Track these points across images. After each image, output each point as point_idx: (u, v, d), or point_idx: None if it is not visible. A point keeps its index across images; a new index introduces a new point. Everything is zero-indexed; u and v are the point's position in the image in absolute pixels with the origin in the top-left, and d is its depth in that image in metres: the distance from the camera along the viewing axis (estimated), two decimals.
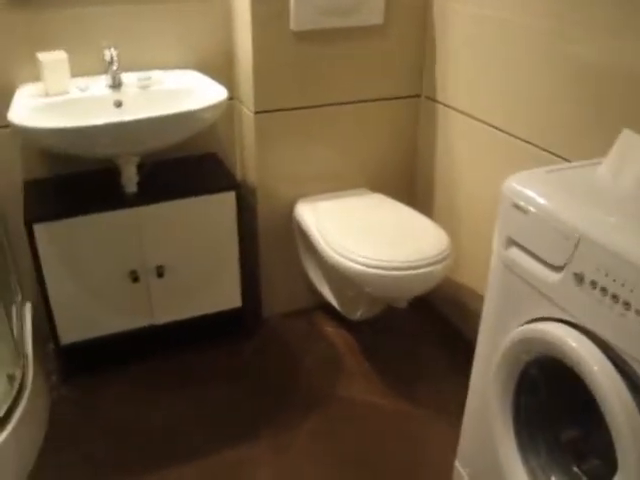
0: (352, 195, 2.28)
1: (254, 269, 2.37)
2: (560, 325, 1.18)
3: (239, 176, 2.34)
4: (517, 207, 1.25)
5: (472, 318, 2.20)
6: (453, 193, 2.22)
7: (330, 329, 2.40)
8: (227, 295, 2.23)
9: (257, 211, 2.26)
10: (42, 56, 1.93)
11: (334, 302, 2.28)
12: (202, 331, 2.29)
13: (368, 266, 1.87)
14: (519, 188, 1.26)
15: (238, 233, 2.14)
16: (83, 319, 2.06)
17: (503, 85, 1.88)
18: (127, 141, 1.84)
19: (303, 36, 2.05)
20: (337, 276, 2.13)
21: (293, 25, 2.01)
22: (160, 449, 1.90)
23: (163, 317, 2.17)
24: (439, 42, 2.15)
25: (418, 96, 2.29)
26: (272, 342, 2.34)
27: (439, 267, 1.89)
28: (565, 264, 1.15)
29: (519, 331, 1.28)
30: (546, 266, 1.20)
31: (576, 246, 1.12)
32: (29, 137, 1.86)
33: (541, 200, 1.22)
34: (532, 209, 1.22)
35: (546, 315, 1.22)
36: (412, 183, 2.43)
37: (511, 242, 1.29)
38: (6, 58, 1.98)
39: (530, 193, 1.24)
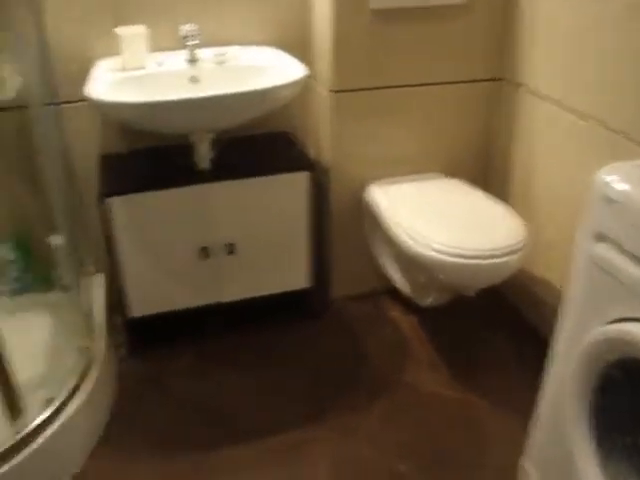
0: (426, 179, 2.24)
1: (323, 250, 2.34)
2: None
3: (312, 156, 2.31)
4: (609, 200, 1.18)
5: (546, 312, 2.14)
6: (531, 182, 2.15)
7: (397, 314, 2.37)
8: (295, 275, 2.21)
9: (329, 192, 2.23)
10: (121, 30, 1.93)
11: (403, 286, 2.24)
12: (269, 310, 2.28)
13: (441, 253, 1.82)
14: (613, 180, 1.20)
15: (309, 213, 2.11)
16: (153, 293, 2.08)
17: (600, 73, 1.78)
18: (202, 117, 1.83)
19: (382, 14, 1.99)
20: (408, 261, 2.09)
21: (373, 3, 1.96)
22: (222, 426, 1.91)
23: (231, 295, 2.17)
24: (525, 24, 2.07)
25: (499, 80, 2.21)
26: (339, 324, 2.32)
27: (514, 257, 1.83)
28: None
29: (604, 330, 1.22)
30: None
31: None
32: (106, 111, 1.87)
33: (637, 193, 1.15)
34: (627, 202, 1.15)
35: (635, 315, 1.16)
36: (488, 170, 2.36)
37: (600, 237, 1.23)
38: (86, 32, 2.00)
39: (625, 186, 1.17)
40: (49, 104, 1.97)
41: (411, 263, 2.05)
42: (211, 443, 1.85)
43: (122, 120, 1.91)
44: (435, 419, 1.93)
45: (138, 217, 1.95)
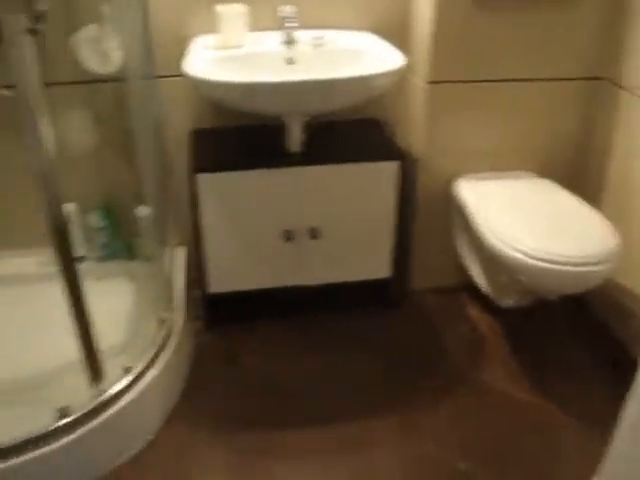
0: (516, 177, 2.19)
1: (406, 241, 2.32)
2: None
3: (402, 145, 2.29)
4: None
5: (634, 326, 2.06)
6: (628, 190, 2.07)
7: (475, 312, 2.34)
8: (377, 264, 2.20)
9: (417, 183, 2.20)
10: (221, 8, 1.94)
11: (484, 285, 2.21)
12: (348, 297, 2.28)
13: (527, 255, 1.79)
14: None
15: (396, 203, 2.09)
16: (234, 271, 2.11)
17: None
18: (297, 101, 1.83)
19: (485, 3, 1.94)
20: (491, 260, 2.05)
21: None
22: (289, 408, 1.93)
23: (311, 279, 2.18)
24: (637, 21, 1.98)
25: (599, 79, 2.14)
26: (415, 316, 2.31)
27: (604, 267, 1.78)
28: None
29: None
30: None
31: None
32: (201, 89, 1.89)
33: None
34: None
35: None
36: (581, 172, 2.28)
37: None
38: (185, 8, 2.02)
39: None
40: (146, 78, 2.00)
41: (494, 263, 2.01)
42: (277, 422, 1.88)
43: (217, 99, 1.92)
44: (505, 421, 1.90)
45: (225, 195, 1.97)
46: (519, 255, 1.79)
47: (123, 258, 2.27)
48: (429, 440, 1.83)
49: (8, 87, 1.30)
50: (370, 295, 2.30)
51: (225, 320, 2.22)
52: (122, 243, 2.25)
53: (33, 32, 1.26)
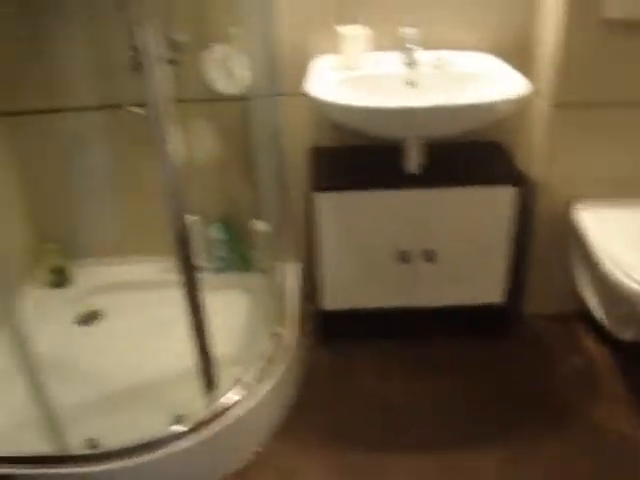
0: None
1: (521, 266, 2.27)
2: None
3: (521, 169, 2.25)
4: None
5: None
6: None
7: (590, 343, 2.26)
8: (489, 289, 2.18)
9: (535, 207, 2.16)
10: (343, 29, 1.97)
11: (602, 316, 2.13)
12: (459, 321, 2.26)
13: None
14: None
15: (512, 228, 2.06)
16: (348, 289, 2.14)
17: None
18: (418, 125, 1.84)
19: (619, 25, 1.88)
20: (611, 291, 1.97)
21: (609, 11, 1.86)
22: (395, 430, 1.93)
23: (425, 301, 2.18)
24: None
25: None
26: (527, 345, 2.26)
27: None
28: None
29: None
30: None
31: None
32: (322, 109, 1.92)
33: None
34: None
35: None
36: None
37: None
38: (307, 28, 2.07)
39: None
40: (269, 95, 2.05)
41: (614, 293, 1.94)
42: (383, 443, 1.88)
43: (337, 120, 1.95)
44: (621, 462, 1.82)
45: (343, 214, 2.00)
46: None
47: (239, 270, 2.33)
48: (537, 476, 1.78)
49: (141, 105, 1.37)
50: (482, 320, 2.26)
51: (338, 337, 2.25)
52: (239, 256, 2.32)
53: (172, 62, 1.32)
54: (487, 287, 2.17)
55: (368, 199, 1.99)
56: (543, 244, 2.23)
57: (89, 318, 2.28)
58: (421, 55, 2.00)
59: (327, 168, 2.10)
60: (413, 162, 2.01)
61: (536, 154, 2.13)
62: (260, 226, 2.17)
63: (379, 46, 2.07)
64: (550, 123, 2.03)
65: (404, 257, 2.07)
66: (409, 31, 1.96)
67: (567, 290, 2.28)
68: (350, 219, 2.01)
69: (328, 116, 2.02)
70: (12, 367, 1.48)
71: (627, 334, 2.07)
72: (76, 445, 1.61)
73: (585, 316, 2.27)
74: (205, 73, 2.01)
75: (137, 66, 1.27)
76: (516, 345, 2.25)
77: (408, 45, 1.98)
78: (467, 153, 2.18)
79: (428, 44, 2.05)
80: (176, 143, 1.41)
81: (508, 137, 2.24)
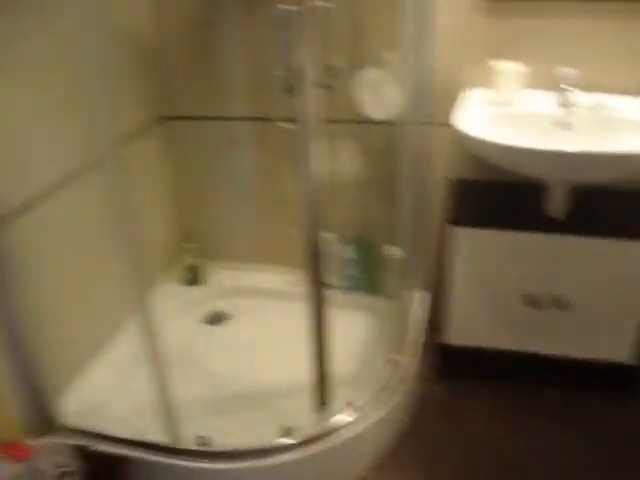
0: None
1: None
2: None
3: None
4: None
5: None
6: None
7: None
8: (620, 347, 2.08)
9: None
10: (498, 65, 1.96)
11: None
12: (585, 374, 2.16)
13: None
14: None
15: None
16: (474, 326, 2.11)
17: None
18: (566, 169, 1.79)
19: None
20: None
21: None
22: (498, 478, 1.88)
23: (551, 349, 2.11)
24: None
25: None
26: None
27: None
28: None
29: None
30: None
31: None
32: (468, 144, 1.90)
33: None
34: None
35: None
36: None
37: None
38: (461, 59, 2.07)
39: None
40: (417, 123, 2.06)
41: None
42: None
43: (483, 156, 1.92)
44: None
45: (478, 250, 1.98)
46: None
47: (367, 292, 2.35)
48: None
49: (291, 121, 1.42)
50: (607, 376, 2.15)
51: (457, 373, 2.21)
52: (369, 278, 2.34)
53: (326, 87, 1.35)
54: (617, 344, 2.07)
55: (505, 239, 1.95)
56: None
57: (216, 319, 2.37)
58: (577, 97, 1.94)
59: (467, 201, 2.08)
60: (557, 206, 1.95)
61: None
62: (393, 251, 2.18)
63: (533, 84, 2.03)
64: None
65: (534, 302, 2.01)
66: (566, 71, 1.91)
67: None
68: (484, 256, 1.99)
69: (472, 150, 2.00)
70: (141, 355, 1.56)
71: None
72: (187, 440, 1.68)
73: None
74: (356, 95, 2.04)
75: (291, 87, 1.32)
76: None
77: (563, 85, 1.92)
78: (619, 202, 2.08)
79: (585, 86, 1.98)
80: (320, 160, 1.45)
81: None
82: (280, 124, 1.52)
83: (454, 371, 2.21)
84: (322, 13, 1.38)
